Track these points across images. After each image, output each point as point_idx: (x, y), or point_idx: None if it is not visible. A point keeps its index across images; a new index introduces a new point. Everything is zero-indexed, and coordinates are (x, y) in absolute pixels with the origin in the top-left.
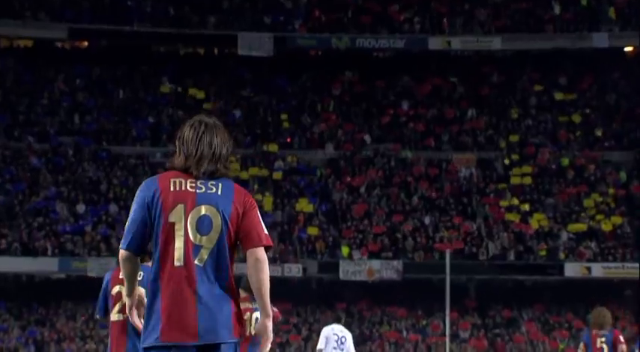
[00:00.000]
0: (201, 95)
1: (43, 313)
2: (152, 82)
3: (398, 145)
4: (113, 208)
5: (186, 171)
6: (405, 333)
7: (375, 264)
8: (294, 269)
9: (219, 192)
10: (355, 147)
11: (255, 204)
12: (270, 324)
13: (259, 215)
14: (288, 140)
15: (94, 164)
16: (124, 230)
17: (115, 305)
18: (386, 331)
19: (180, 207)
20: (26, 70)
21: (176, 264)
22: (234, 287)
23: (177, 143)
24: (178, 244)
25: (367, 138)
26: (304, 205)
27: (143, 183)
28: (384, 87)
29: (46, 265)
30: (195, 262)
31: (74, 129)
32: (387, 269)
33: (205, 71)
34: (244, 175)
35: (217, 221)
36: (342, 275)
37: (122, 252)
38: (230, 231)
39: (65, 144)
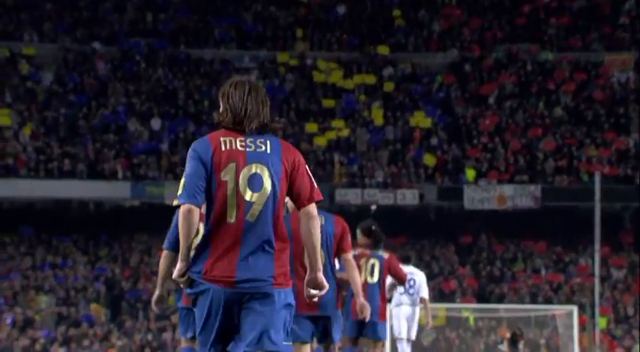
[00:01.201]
0: None
1: (113, 247)
2: None
3: (536, 46)
4: (193, 125)
5: (235, 129)
6: (543, 272)
7: (507, 189)
8: (408, 196)
9: (269, 150)
10: (483, 50)
11: (303, 160)
12: (321, 277)
13: (308, 170)
14: (403, 41)
15: (169, 71)
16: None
17: None
18: (520, 270)
19: (232, 166)
20: None
21: (228, 220)
22: (282, 241)
23: (221, 101)
24: (231, 201)
25: (499, 36)
26: (420, 119)
27: (195, 143)
28: None
29: (117, 190)
30: (247, 218)
31: (146, 30)
32: (521, 196)
33: None
34: (349, 84)
35: (267, 179)
36: (466, 204)
37: (184, 206)
38: (279, 188)
39: (136, 48)
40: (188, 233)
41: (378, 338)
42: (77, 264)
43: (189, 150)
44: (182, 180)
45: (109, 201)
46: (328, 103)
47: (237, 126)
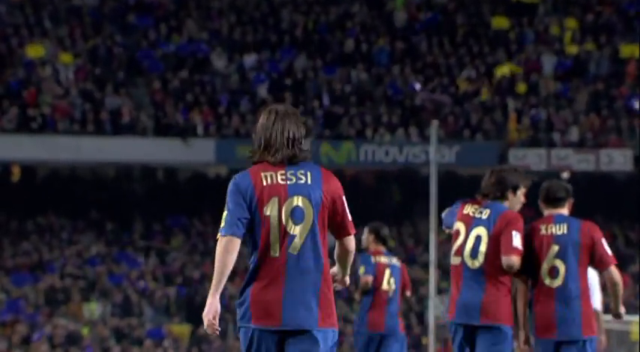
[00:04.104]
0: None
1: (191, 233)
2: None
3: None
4: (301, 59)
5: (267, 161)
6: None
7: None
8: (617, 159)
9: (309, 182)
10: None
11: (342, 190)
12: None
13: (345, 201)
14: None
15: None
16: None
17: None
18: None
19: (274, 200)
20: None
21: (272, 254)
22: (326, 274)
23: (254, 136)
24: (273, 236)
25: None
26: (636, 49)
27: (236, 178)
28: None
29: (196, 152)
30: (289, 251)
31: None
32: None
33: None
34: None
35: (309, 211)
36: None
37: (226, 238)
38: (320, 219)
39: None
40: (226, 264)
41: None
42: (139, 257)
43: (230, 183)
44: (224, 214)
45: (185, 168)
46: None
47: (266, 159)
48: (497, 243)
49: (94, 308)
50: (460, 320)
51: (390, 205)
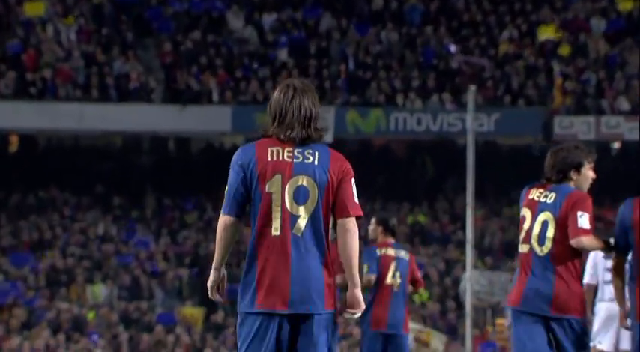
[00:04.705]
0: None
1: (206, 209)
2: None
3: None
4: (325, 19)
5: (277, 137)
6: None
7: None
8: None
9: (316, 162)
10: None
11: (352, 171)
12: (359, 294)
13: (354, 184)
14: None
15: None
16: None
17: None
18: None
19: (277, 178)
20: None
21: (273, 233)
22: (329, 257)
23: (268, 109)
24: (276, 214)
25: None
26: None
27: (240, 149)
28: None
29: (211, 120)
30: (292, 232)
31: None
32: None
33: None
34: None
35: (314, 191)
36: None
37: (224, 218)
38: (325, 201)
39: None
40: (225, 245)
41: None
42: (149, 235)
43: (235, 154)
44: (225, 191)
45: (199, 137)
46: None
47: (277, 135)
48: (564, 227)
49: (99, 291)
50: (526, 308)
51: (423, 179)
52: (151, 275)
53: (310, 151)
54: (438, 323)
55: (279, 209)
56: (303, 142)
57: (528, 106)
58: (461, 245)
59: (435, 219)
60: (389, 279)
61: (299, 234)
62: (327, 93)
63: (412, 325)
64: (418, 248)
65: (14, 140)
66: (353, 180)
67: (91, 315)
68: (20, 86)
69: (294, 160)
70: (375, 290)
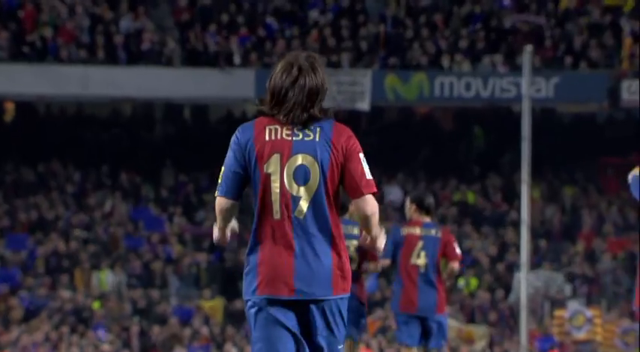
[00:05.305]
0: None
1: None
2: None
3: None
4: None
5: (276, 117)
6: None
7: None
8: None
9: (317, 138)
10: None
11: (359, 145)
12: (379, 243)
13: (363, 159)
14: None
15: None
16: None
17: None
18: None
19: (275, 157)
20: None
21: (275, 216)
22: (337, 239)
23: (267, 84)
24: (275, 196)
25: None
26: None
27: (239, 128)
28: None
29: (232, 85)
30: (294, 215)
31: None
32: None
33: None
34: None
35: (315, 170)
36: None
37: (220, 200)
38: (329, 180)
39: None
40: (224, 225)
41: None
42: (162, 216)
43: (233, 136)
44: (222, 170)
45: (219, 104)
46: None
47: (276, 116)
48: None
49: (106, 279)
50: None
51: (472, 152)
52: (164, 261)
53: (311, 128)
54: (488, 315)
55: (279, 191)
56: (305, 125)
57: (592, 69)
58: (516, 226)
59: (485, 197)
60: (413, 259)
61: (301, 217)
62: (363, 55)
63: (452, 323)
64: (467, 230)
65: (10, 108)
66: (361, 154)
67: (96, 306)
68: (16, 47)
69: (294, 138)
70: (400, 271)
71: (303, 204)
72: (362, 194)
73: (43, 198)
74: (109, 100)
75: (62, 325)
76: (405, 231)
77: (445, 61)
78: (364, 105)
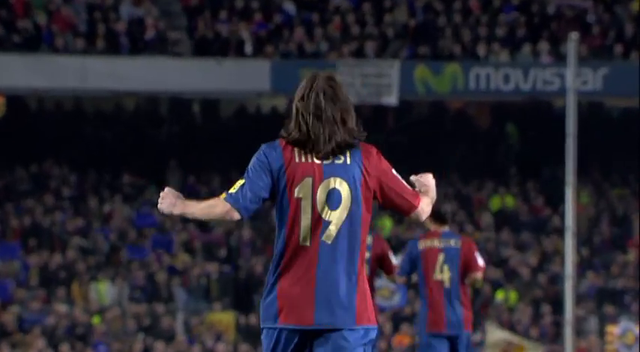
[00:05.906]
0: None
1: None
2: None
3: None
4: None
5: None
6: None
7: None
8: None
9: (348, 161)
10: None
11: (386, 161)
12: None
13: (395, 173)
14: None
15: None
16: None
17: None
18: None
19: (307, 181)
20: None
21: (301, 242)
22: (361, 266)
23: (292, 109)
24: (305, 222)
25: None
26: None
27: (265, 148)
28: None
29: (245, 78)
30: (323, 239)
31: None
32: None
33: None
34: None
35: (347, 194)
36: None
37: (225, 205)
38: (362, 203)
39: None
40: (207, 219)
41: None
42: (168, 221)
43: (259, 151)
44: (240, 181)
45: (231, 99)
46: None
47: (306, 147)
48: None
49: (106, 291)
50: None
51: (510, 150)
52: (170, 272)
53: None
54: (529, 332)
55: (309, 216)
56: (334, 154)
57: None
58: (559, 233)
59: (525, 200)
60: (437, 275)
61: (329, 242)
62: (389, 44)
63: (499, 334)
64: (505, 237)
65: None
66: (393, 170)
67: (96, 321)
68: (6, 35)
69: (324, 161)
70: (424, 288)
71: (333, 229)
72: (414, 207)
73: (36, 203)
74: (109, 94)
75: (58, 343)
76: (423, 244)
77: (481, 51)
78: (391, 99)
